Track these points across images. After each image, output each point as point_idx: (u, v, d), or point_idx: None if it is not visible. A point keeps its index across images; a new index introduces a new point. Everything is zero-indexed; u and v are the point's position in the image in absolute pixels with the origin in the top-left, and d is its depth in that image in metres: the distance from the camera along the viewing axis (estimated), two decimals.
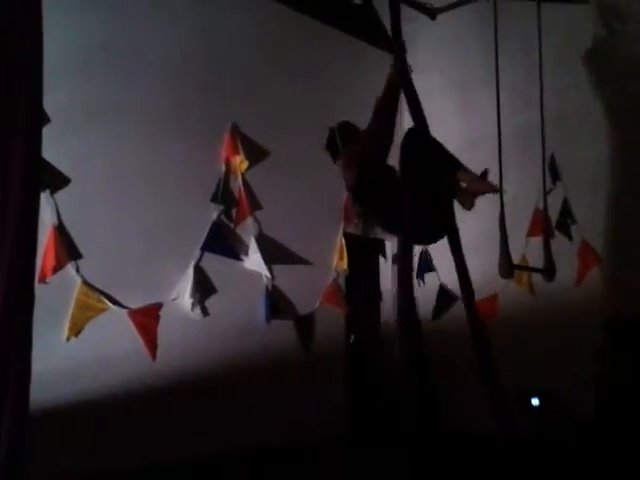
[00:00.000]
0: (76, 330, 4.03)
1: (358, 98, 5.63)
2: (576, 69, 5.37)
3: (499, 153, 4.11)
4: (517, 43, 5.03)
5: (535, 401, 5.08)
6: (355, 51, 5.76)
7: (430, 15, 5.47)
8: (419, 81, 6.16)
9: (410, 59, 4.48)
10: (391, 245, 6.43)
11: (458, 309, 5.91)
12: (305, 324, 5.33)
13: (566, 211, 5.36)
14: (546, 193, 4.55)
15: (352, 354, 5.89)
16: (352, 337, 5.92)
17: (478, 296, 5.63)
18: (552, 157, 5.27)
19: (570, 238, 5.35)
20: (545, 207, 4.51)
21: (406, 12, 5.26)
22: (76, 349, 4.01)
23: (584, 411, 4.69)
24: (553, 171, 5.34)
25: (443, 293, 6.01)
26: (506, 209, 4.01)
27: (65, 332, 4.00)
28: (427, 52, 6.16)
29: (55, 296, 3.86)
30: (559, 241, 5.17)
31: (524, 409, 5.10)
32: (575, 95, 5.35)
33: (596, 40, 5.13)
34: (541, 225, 4.63)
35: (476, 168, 5.66)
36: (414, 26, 5.10)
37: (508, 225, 4.02)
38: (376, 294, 6.32)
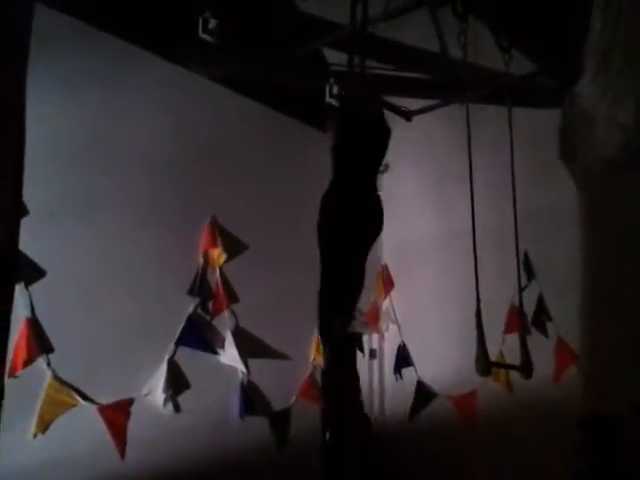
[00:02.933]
0: (44, 426, 3.89)
1: None
2: (548, 169, 5.54)
3: (474, 248, 4.19)
4: (490, 144, 5.21)
5: None
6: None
7: (405, 117, 5.70)
8: (396, 178, 6.40)
9: (387, 158, 4.63)
10: (369, 340, 6.41)
11: (437, 406, 5.85)
12: (280, 420, 5.21)
13: (541, 308, 5.41)
14: (521, 290, 4.60)
15: (328, 451, 5.74)
16: (327, 434, 5.78)
17: (456, 392, 5.65)
18: (526, 254, 5.36)
19: (546, 335, 5.37)
20: (521, 304, 4.55)
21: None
22: (43, 446, 3.87)
23: None
24: (527, 268, 5.42)
25: (421, 389, 5.94)
26: (482, 305, 4.05)
27: (33, 428, 3.86)
28: (403, 151, 6.34)
29: (24, 391, 3.74)
30: (535, 338, 5.18)
31: None
32: (547, 194, 5.51)
33: (566, 142, 5.32)
34: (517, 322, 4.65)
35: (452, 262, 5.78)
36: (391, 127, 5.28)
37: (484, 321, 4.05)
38: (355, 390, 6.21)
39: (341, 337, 4.20)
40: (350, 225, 4.12)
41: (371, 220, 4.23)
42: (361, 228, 4.17)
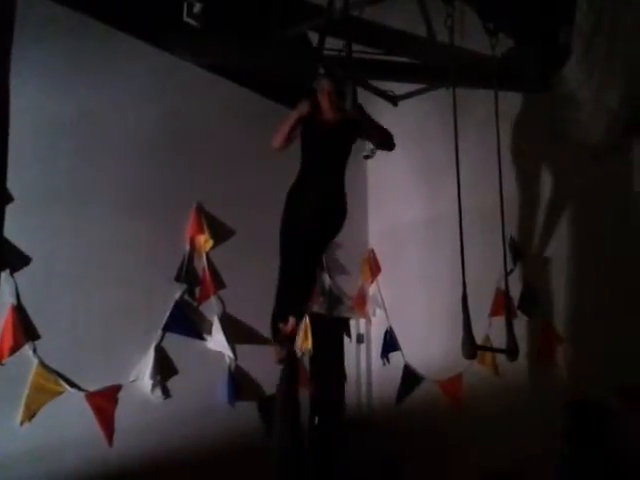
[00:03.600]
0: (30, 414, 3.88)
1: None
2: (534, 153, 5.57)
3: (460, 233, 4.19)
4: (476, 128, 5.20)
5: None
6: None
7: (392, 102, 5.68)
8: (383, 163, 6.39)
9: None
10: (356, 325, 6.43)
11: (424, 390, 5.89)
12: (268, 405, 5.22)
13: (527, 291, 5.44)
14: (507, 273, 4.63)
15: (316, 435, 5.76)
16: (316, 419, 5.81)
17: (442, 376, 5.68)
18: (512, 238, 5.38)
19: (532, 318, 5.41)
20: (507, 287, 4.57)
21: (369, 99, 5.47)
22: (30, 433, 3.85)
23: None
24: (514, 251, 5.44)
25: (408, 373, 5.98)
26: (468, 289, 4.06)
27: (20, 415, 3.85)
28: None
29: (10, 378, 3.74)
30: (522, 321, 5.22)
31: None
32: (534, 177, 5.53)
33: (553, 126, 5.34)
34: (503, 305, 4.68)
35: (439, 246, 5.80)
36: (377, 112, 5.27)
37: (470, 305, 4.06)
38: (341, 374, 6.24)
39: (291, 336, 4.24)
40: (304, 223, 4.13)
41: (326, 220, 4.19)
42: (316, 227, 4.15)
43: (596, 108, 4.84)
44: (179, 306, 4.74)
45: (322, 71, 4.28)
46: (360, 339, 6.44)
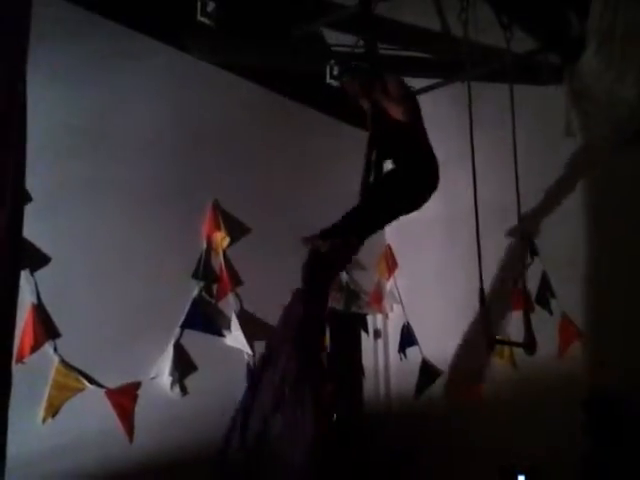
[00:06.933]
0: (53, 411, 3.94)
1: (336, 174, 5.76)
2: (550, 146, 5.54)
3: (477, 228, 4.19)
4: (492, 123, 5.17)
5: (522, 479, 4.99)
6: (331, 128, 5.92)
7: None
8: None
9: None
10: (373, 320, 6.43)
11: (442, 384, 5.89)
12: None
13: (545, 285, 5.41)
14: (524, 267, 4.62)
15: (335, 431, 5.78)
16: (335, 415, 5.82)
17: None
18: (528, 232, 5.35)
19: (550, 312, 5.38)
20: (524, 281, 4.56)
21: None
22: (52, 430, 3.90)
23: None
24: (530, 246, 5.41)
25: (426, 368, 5.97)
26: (485, 284, 4.06)
27: (41, 413, 3.90)
28: None
29: (31, 376, 3.78)
30: (539, 315, 5.20)
31: None
32: (550, 171, 5.50)
33: (569, 119, 5.31)
34: (520, 299, 4.66)
35: (455, 241, 5.79)
36: None
37: (488, 300, 4.06)
38: (358, 370, 6.26)
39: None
40: None
41: None
42: None
43: (613, 100, 4.80)
44: (197, 303, 4.77)
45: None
46: (377, 334, 6.44)
